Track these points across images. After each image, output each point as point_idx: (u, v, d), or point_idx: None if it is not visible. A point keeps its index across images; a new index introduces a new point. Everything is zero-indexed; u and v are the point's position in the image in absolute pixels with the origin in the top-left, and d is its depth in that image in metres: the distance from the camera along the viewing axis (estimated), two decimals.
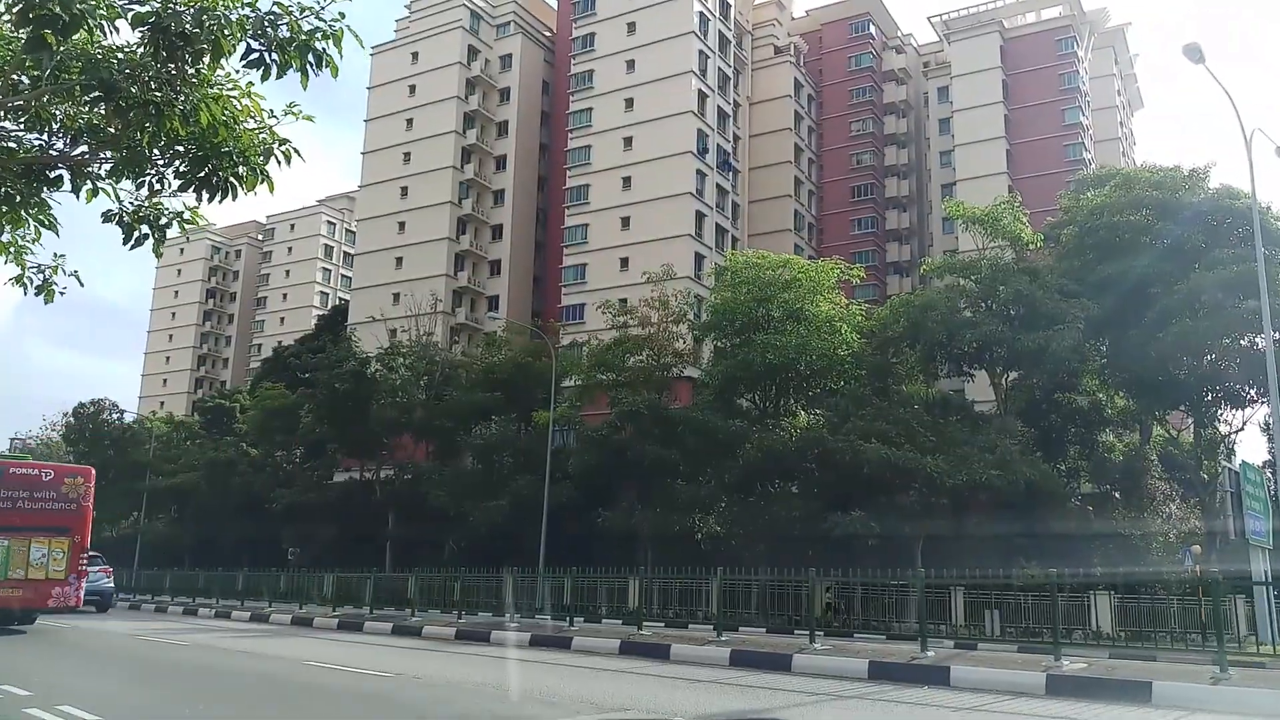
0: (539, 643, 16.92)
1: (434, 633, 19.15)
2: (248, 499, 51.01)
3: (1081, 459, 37.45)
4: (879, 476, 28.89)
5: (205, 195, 8.00)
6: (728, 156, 67.78)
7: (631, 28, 66.90)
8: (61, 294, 8.87)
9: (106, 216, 8.27)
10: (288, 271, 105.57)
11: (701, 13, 66.23)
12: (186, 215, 8.37)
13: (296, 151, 8.04)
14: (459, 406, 43.69)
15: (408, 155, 72.32)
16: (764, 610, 24.32)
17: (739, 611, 24.46)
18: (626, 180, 64.18)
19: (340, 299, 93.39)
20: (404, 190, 71.90)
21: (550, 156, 73.71)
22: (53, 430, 69.27)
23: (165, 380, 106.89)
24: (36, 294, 8.82)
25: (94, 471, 22.31)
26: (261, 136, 7.89)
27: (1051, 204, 47.92)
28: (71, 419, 61.39)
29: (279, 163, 8.09)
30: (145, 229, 8.32)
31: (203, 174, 7.84)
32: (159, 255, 8.58)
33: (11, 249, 8.71)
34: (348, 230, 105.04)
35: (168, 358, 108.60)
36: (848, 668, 12.05)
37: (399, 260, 70.37)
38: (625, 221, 63.46)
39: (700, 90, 64.92)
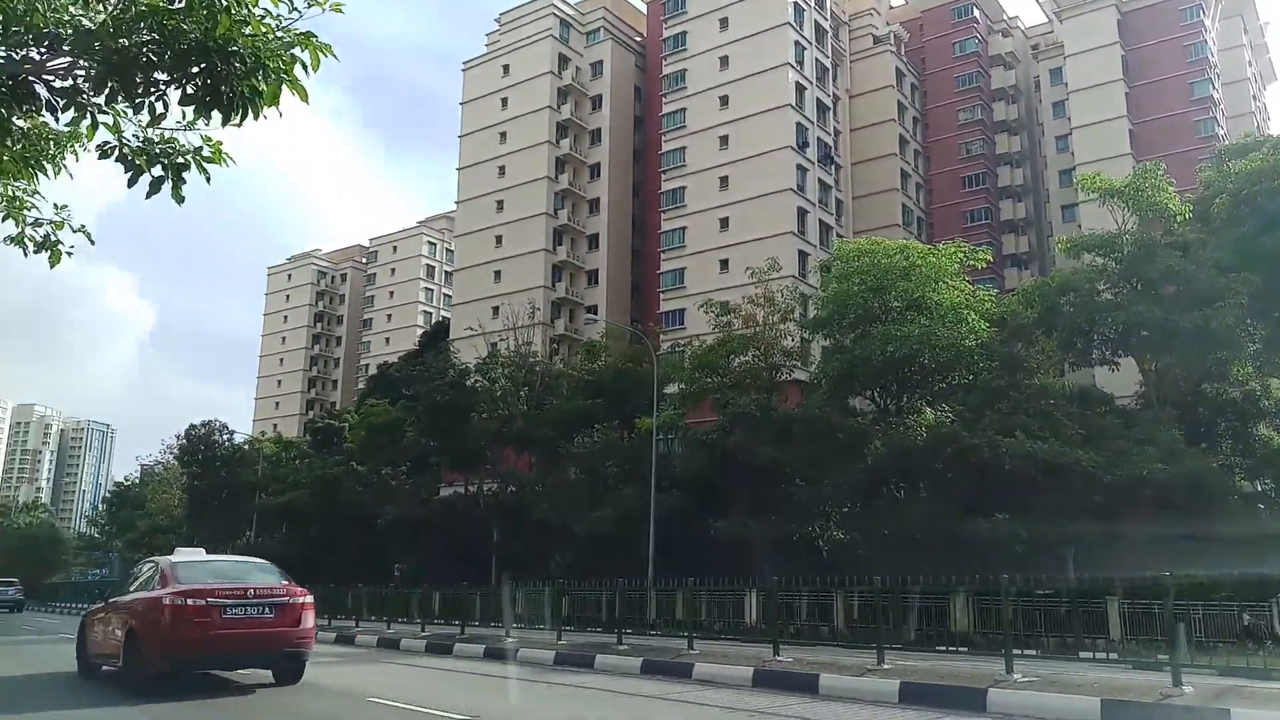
0: (653, 670, 14.24)
1: (531, 657, 16.84)
2: (355, 516, 50.66)
3: (1235, 455, 33.57)
4: (1022, 475, 26.02)
5: (219, 116, 6.36)
6: (829, 150, 65.08)
7: (724, 23, 65.00)
8: (69, 254, 7.39)
9: (103, 151, 6.73)
10: (391, 292, 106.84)
11: (796, 3, 63.86)
12: (207, 152, 6.76)
13: (329, 49, 6.30)
14: (560, 415, 42.23)
15: (502, 168, 71.89)
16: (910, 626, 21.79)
17: (871, 626, 22.07)
18: (724, 180, 62.15)
19: (443, 317, 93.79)
20: (500, 204, 71.47)
21: (644, 162, 72.24)
22: (170, 453, 70.91)
23: (277, 403, 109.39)
24: (37, 252, 7.34)
25: None
26: (280, 34, 6.18)
27: (1183, 184, 43.83)
28: (185, 441, 62.52)
29: (305, 69, 6.38)
30: (159, 170, 6.75)
31: (210, 83, 6.19)
32: (180, 201, 6.97)
33: (3, 201, 7.26)
34: (448, 249, 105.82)
35: (279, 381, 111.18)
36: (1069, 708, 9.16)
37: (497, 274, 69.85)
38: (724, 222, 61.41)
39: (798, 83, 62.49)
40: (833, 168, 65.92)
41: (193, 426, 62.32)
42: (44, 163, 7.34)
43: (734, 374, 36.39)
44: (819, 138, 63.95)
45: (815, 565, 28.83)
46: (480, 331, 55.07)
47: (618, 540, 36.10)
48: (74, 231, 7.35)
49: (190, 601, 11.33)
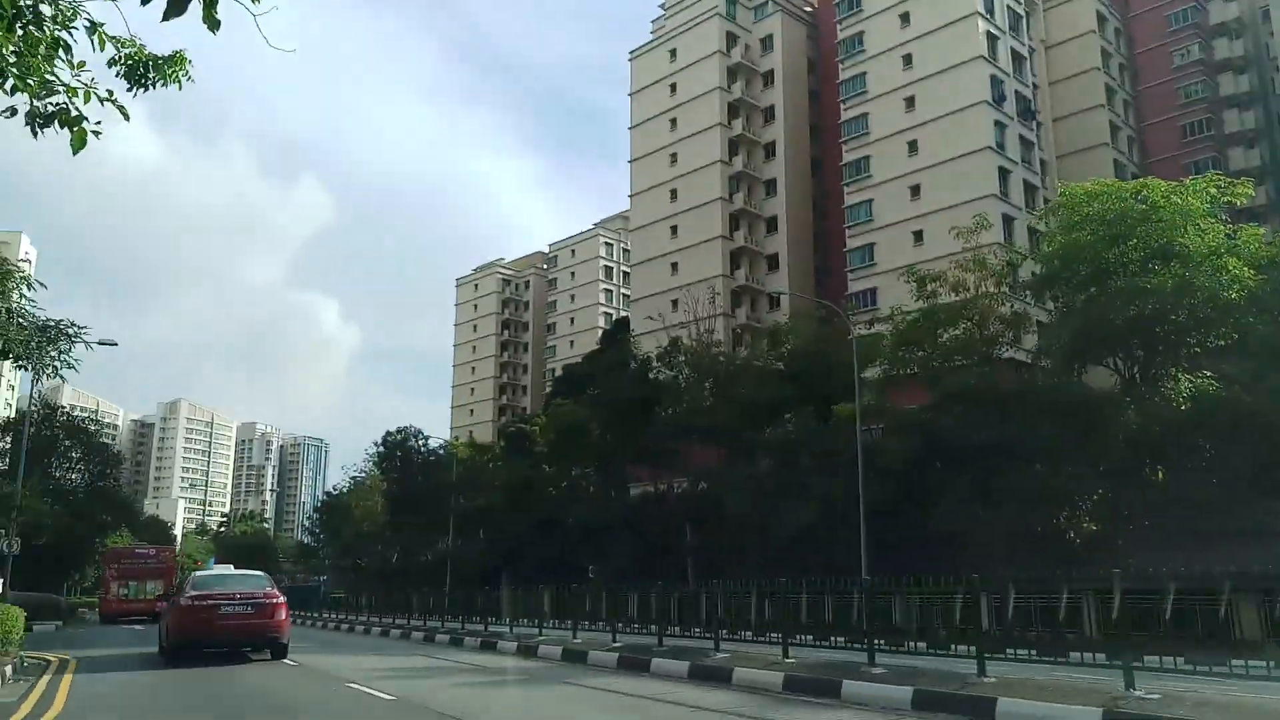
0: (932, 704, 10.21)
1: (751, 679, 12.88)
2: (545, 518, 49.92)
3: None
4: None
5: None
6: (1029, 103, 59.27)
7: None
8: (96, 134, 5.52)
9: None
10: (572, 296, 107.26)
11: None
12: None
13: None
14: (748, 405, 39.51)
15: (674, 156, 69.89)
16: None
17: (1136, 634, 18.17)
18: (912, 144, 57.67)
19: (622, 315, 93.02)
20: (673, 193, 69.47)
21: (822, 136, 68.39)
22: (370, 461, 72.81)
23: (472, 410, 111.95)
24: (45, 126, 5.46)
25: (175, 549, 41.99)
26: None
27: None
28: (382, 448, 63.85)
29: None
30: None
31: None
32: (214, 27, 5.04)
33: (13, 68, 5.42)
34: (624, 248, 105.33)
35: (472, 389, 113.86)
36: None
37: (674, 266, 67.89)
38: (915, 190, 56.92)
39: (989, 32, 57.18)
40: (1034, 123, 60.06)
41: (389, 433, 63.61)
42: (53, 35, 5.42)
43: (943, 349, 32.63)
44: (1016, 90, 58.37)
45: (1056, 560, 24.89)
46: (662, 325, 53.15)
47: (818, 536, 33.23)
48: (102, 103, 5.44)
49: (196, 603, 16.61)
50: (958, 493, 29.08)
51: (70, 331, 14.64)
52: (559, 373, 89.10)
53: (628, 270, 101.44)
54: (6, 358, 13.39)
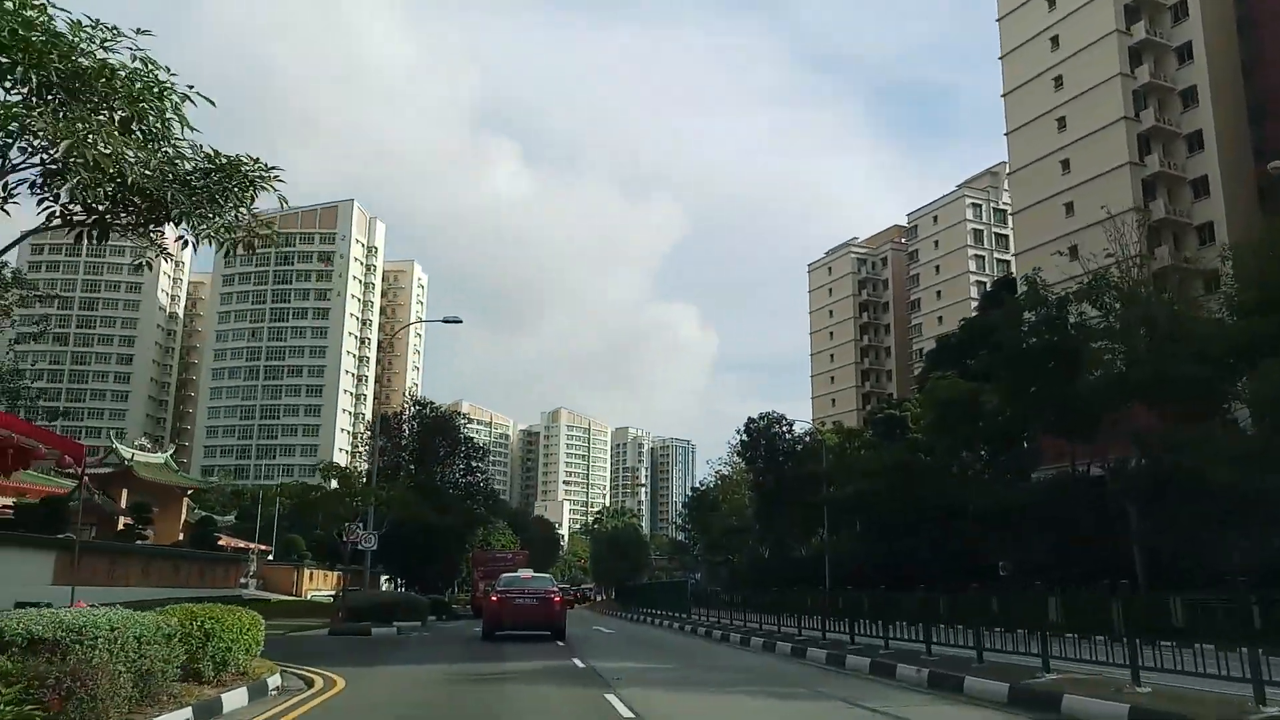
0: None
1: None
2: (932, 506, 42.99)
3: None
4: None
5: None
6: None
7: None
8: None
9: None
10: (937, 267, 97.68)
11: None
12: None
13: None
14: (1210, 350, 30.06)
15: (1058, 79, 59.49)
16: None
17: None
18: None
19: (1002, 275, 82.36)
20: (1060, 122, 59.11)
21: (1255, 30, 54.57)
22: (734, 452, 69.83)
23: (833, 400, 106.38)
24: None
25: (528, 553, 53.61)
26: None
27: None
28: (745, 436, 60.16)
29: None
30: None
31: None
32: None
33: None
34: (995, 209, 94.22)
35: (832, 378, 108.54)
36: None
37: (1068, 207, 57.53)
38: None
39: None
40: None
41: (751, 420, 59.89)
42: None
43: None
44: None
45: None
46: (1082, 271, 43.90)
47: None
48: None
49: (498, 596, 24.18)
50: None
51: (252, 174, 10.01)
52: (927, 350, 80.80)
53: (1001, 232, 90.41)
54: (162, 216, 9.54)
